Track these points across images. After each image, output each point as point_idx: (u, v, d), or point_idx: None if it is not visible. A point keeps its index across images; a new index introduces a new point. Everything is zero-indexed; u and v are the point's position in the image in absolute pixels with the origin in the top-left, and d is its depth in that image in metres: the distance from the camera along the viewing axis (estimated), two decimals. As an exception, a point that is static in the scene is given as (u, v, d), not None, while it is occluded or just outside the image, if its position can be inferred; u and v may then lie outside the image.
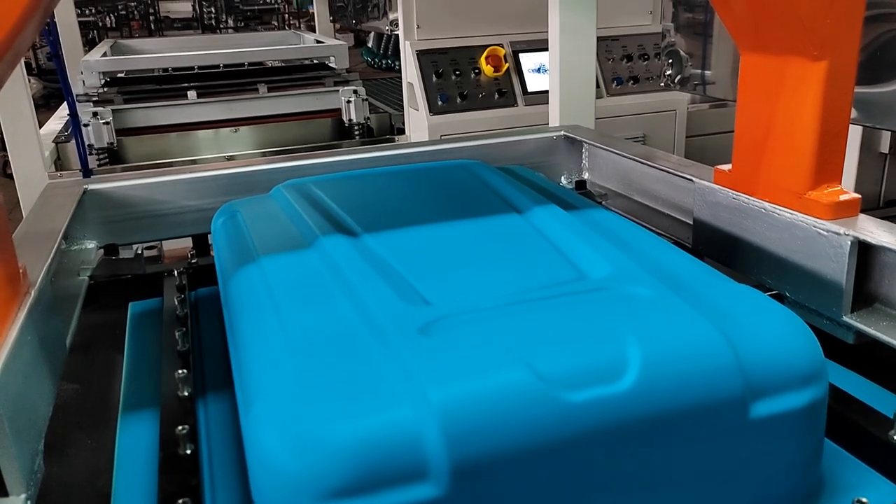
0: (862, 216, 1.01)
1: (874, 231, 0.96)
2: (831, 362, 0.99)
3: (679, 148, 2.99)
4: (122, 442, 0.89)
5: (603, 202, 1.51)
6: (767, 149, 1.09)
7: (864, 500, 0.64)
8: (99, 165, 2.81)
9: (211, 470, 0.83)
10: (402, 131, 3.13)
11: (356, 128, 3.22)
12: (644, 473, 0.65)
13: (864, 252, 0.97)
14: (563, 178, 1.66)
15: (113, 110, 2.91)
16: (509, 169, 1.32)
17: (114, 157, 2.92)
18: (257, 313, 0.81)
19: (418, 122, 2.75)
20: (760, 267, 1.12)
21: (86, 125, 2.75)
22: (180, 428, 0.79)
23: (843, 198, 1.01)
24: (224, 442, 0.87)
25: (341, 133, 3.30)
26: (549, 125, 1.89)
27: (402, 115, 3.02)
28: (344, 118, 3.25)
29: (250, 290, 0.87)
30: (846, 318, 0.97)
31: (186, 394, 0.89)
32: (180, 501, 0.68)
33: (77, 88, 3.17)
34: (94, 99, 3.02)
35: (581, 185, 1.61)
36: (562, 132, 1.66)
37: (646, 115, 2.90)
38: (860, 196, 1.02)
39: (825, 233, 0.99)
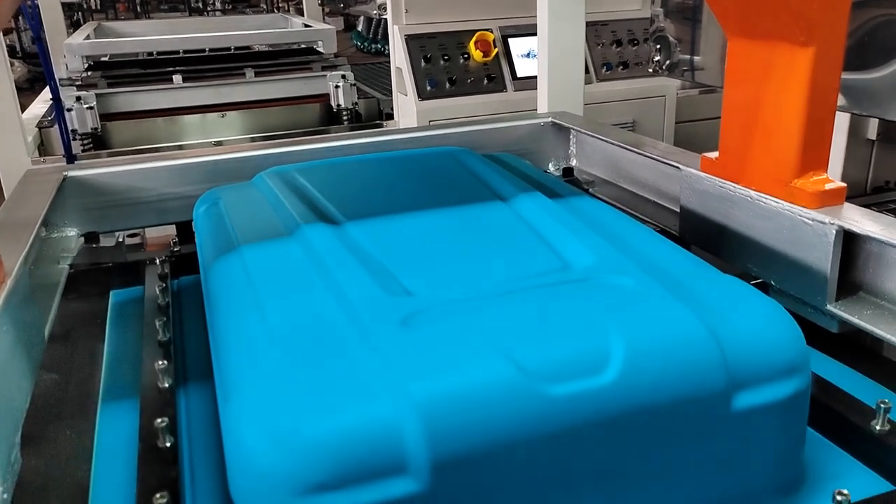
0: (847, 205, 1.01)
1: (859, 220, 0.95)
2: (814, 351, 0.99)
3: (668, 134, 2.98)
4: (102, 433, 0.88)
5: (590, 190, 1.50)
6: (754, 136, 1.08)
7: (845, 491, 0.64)
8: (83, 151, 2.78)
9: (191, 462, 0.82)
10: (390, 116, 3.10)
11: (344, 113, 3.19)
12: (626, 466, 0.65)
13: (849, 241, 0.97)
14: (550, 165, 1.65)
15: (97, 95, 2.86)
16: (495, 156, 1.31)
17: (98, 143, 2.89)
18: (237, 304, 0.80)
19: (407, 108, 2.72)
20: (746, 255, 1.12)
21: (69, 110, 2.71)
22: (160, 420, 0.78)
23: (828, 186, 1.01)
24: (204, 434, 0.86)
25: (329, 118, 3.27)
26: (538, 111, 1.87)
27: (391, 100, 2.99)
28: (332, 103, 3.22)
29: (230, 280, 0.86)
30: (830, 307, 0.97)
31: (167, 385, 0.88)
32: (158, 495, 0.67)
33: (60, 72, 3.12)
34: (78, 83, 2.97)
35: (568, 172, 1.61)
36: (549, 119, 1.65)
37: (635, 101, 2.88)
38: (846, 185, 1.02)
39: (810, 221, 0.99)
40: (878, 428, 0.77)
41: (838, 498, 0.64)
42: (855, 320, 0.94)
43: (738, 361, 0.67)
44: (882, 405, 0.77)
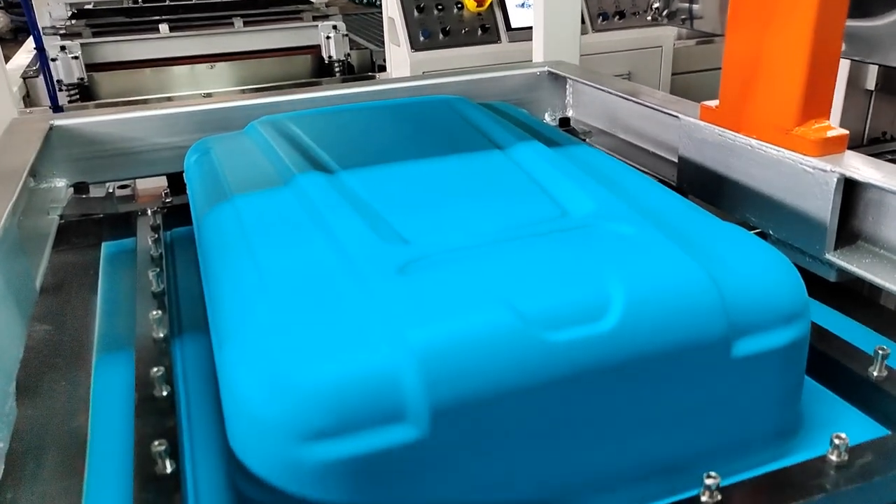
0: (848, 152, 1.00)
1: (860, 168, 0.94)
2: (813, 300, 0.99)
3: (664, 85, 2.94)
4: (98, 383, 0.88)
5: (587, 140, 1.48)
6: (755, 83, 1.06)
7: (842, 435, 0.64)
8: (70, 102, 2.72)
9: (188, 412, 0.82)
10: (383, 68, 3.05)
11: (336, 65, 3.13)
12: (626, 413, 0.65)
13: (850, 189, 0.96)
14: (546, 115, 1.62)
15: (81, 44, 2.79)
16: (492, 105, 1.28)
17: (85, 94, 2.82)
18: (231, 253, 0.79)
19: (400, 59, 2.67)
20: (745, 205, 1.11)
21: (53, 59, 2.65)
22: (156, 370, 0.77)
23: (830, 134, 0.99)
24: (202, 384, 0.86)
25: (321, 70, 3.20)
26: (533, 61, 1.83)
27: (384, 51, 2.93)
28: (324, 54, 3.15)
29: (224, 230, 0.84)
30: (829, 256, 0.97)
31: (161, 335, 0.87)
32: (156, 443, 0.66)
33: (43, 21, 3.04)
34: (62, 32, 2.89)
35: (565, 122, 1.58)
36: (546, 68, 1.62)
37: (631, 52, 2.84)
38: (847, 132, 1.00)
39: (811, 170, 0.98)
40: (875, 374, 0.77)
41: (836, 441, 0.64)
42: (853, 269, 0.93)
43: (738, 308, 0.67)
44: (880, 351, 0.77)
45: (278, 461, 0.58)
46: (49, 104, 2.52)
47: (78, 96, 2.78)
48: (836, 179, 0.94)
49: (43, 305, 1.01)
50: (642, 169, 1.33)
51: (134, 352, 0.85)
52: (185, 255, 1.17)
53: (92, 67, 2.86)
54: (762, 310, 0.67)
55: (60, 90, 2.67)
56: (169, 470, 0.65)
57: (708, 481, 0.61)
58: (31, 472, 0.74)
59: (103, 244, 1.22)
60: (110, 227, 1.23)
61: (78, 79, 2.76)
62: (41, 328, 0.97)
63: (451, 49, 2.63)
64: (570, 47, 1.83)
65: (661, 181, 1.26)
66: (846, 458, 0.64)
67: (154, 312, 0.89)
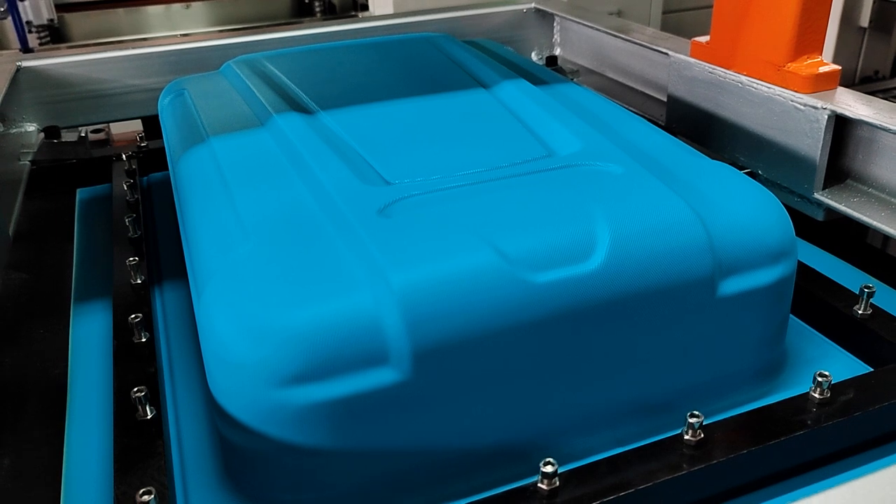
0: (840, 89, 0.98)
1: (852, 104, 0.92)
2: (800, 240, 0.99)
3: (654, 24, 2.87)
4: (76, 331, 0.87)
5: (574, 80, 1.45)
6: (748, 18, 1.03)
7: (825, 372, 0.64)
8: (41, 45, 2.62)
9: (169, 358, 0.81)
10: (366, 7, 2.95)
11: (316, 3, 3.03)
12: (610, 353, 0.65)
13: (840, 126, 0.94)
14: (533, 53, 1.58)
15: (50, -17, 2.68)
16: (476, 42, 1.24)
17: (56, 36, 2.73)
18: (208, 196, 0.76)
19: (382, -3, 2.58)
20: (734, 144, 1.09)
21: (22, 0, 2.54)
22: (134, 316, 0.76)
23: (822, 70, 0.97)
24: (182, 330, 0.85)
25: (301, 10, 3.11)
26: (520, -3, 1.78)
27: (366, -11, 2.84)
28: (303, -7, 3.05)
29: (200, 173, 0.82)
30: (818, 195, 0.96)
31: (139, 282, 0.85)
32: (136, 389, 0.65)
33: (9, -41, 2.90)
34: (29, -30, 2.77)
35: (552, 60, 1.54)
36: (532, 4, 1.57)
37: (621, -11, 2.76)
38: (840, 67, 0.98)
39: (802, 107, 0.96)
40: (860, 312, 0.77)
41: (819, 379, 0.64)
42: (841, 208, 0.93)
43: (724, 247, 0.66)
44: (865, 290, 0.77)
45: (259, 406, 0.57)
46: (19, 47, 2.44)
47: (49, 38, 2.69)
48: (826, 116, 0.92)
49: (17, 253, 0.99)
50: (631, 108, 1.30)
51: (112, 298, 0.84)
52: (162, 201, 1.14)
53: (62, 8, 2.75)
54: (749, 248, 0.66)
55: (30, 32, 2.57)
56: (150, 416, 0.65)
57: (691, 420, 0.61)
58: (11, 419, 0.73)
59: (77, 190, 1.19)
60: (84, 172, 1.19)
61: (48, 20, 2.65)
62: (17, 276, 0.95)
63: (436, -14, 2.55)
64: (558, -17, 1.77)
65: (649, 121, 1.24)
66: (828, 395, 0.64)
67: (131, 259, 0.87)
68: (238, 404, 0.59)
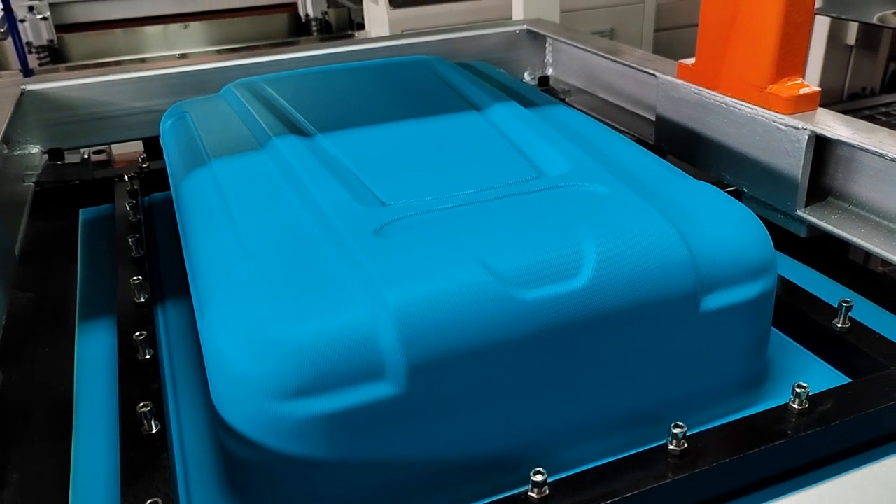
0: (821, 110, 1.01)
1: (831, 125, 0.96)
2: (782, 255, 1.02)
3: (647, 42, 2.92)
4: (82, 348, 0.89)
5: (566, 99, 1.48)
6: (731, 41, 1.07)
7: (803, 384, 0.67)
8: (40, 65, 2.66)
9: (172, 374, 0.83)
10: (362, 26, 3.00)
11: (313, 23, 3.08)
12: (597, 367, 0.67)
13: (821, 146, 0.97)
14: (526, 73, 1.62)
15: (50, 4, 2.72)
16: (469, 65, 1.28)
17: (56, 56, 2.77)
18: (210, 217, 0.79)
19: (378, 17, 2.63)
20: (720, 163, 1.12)
21: (22, 21, 2.58)
22: (138, 334, 0.78)
23: (802, 91, 1.01)
24: (185, 347, 0.87)
25: (298, 29, 3.16)
26: (513, 18, 1.82)
27: (362, 9, 2.88)
28: (300, 13, 3.10)
29: (202, 194, 0.85)
30: (800, 212, 0.99)
31: (143, 300, 0.88)
32: (141, 404, 0.68)
33: (10, -20, 2.95)
34: (30, -8, 2.81)
35: (544, 81, 1.58)
36: (525, 26, 1.61)
37: (613, 8, 2.81)
38: (820, 89, 1.01)
39: (783, 127, 0.99)
40: (839, 326, 0.80)
41: (798, 390, 0.67)
42: (823, 224, 0.96)
43: (706, 264, 0.68)
44: (844, 304, 0.79)
45: (261, 419, 0.59)
46: (19, 67, 2.47)
47: (49, 59, 2.73)
48: (807, 136, 0.96)
49: (23, 273, 1.02)
50: (621, 128, 1.34)
51: (116, 317, 0.86)
52: (163, 220, 1.17)
53: (61, 28, 2.80)
54: (730, 265, 0.69)
55: (30, 52, 2.61)
56: (155, 430, 0.67)
57: (675, 430, 0.63)
58: (19, 434, 0.75)
59: (80, 211, 1.21)
60: (87, 193, 1.22)
61: (48, 41, 2.70)
62: (22, 296, 0.98)
63: (431, 6, 2.60)
64: (551, 4, 1.81)
65: (639, 140, 1.28)
66: (807, 405, 0.67)
67: (135, 278, 0.90)
68: (240, 417, 0.61)
